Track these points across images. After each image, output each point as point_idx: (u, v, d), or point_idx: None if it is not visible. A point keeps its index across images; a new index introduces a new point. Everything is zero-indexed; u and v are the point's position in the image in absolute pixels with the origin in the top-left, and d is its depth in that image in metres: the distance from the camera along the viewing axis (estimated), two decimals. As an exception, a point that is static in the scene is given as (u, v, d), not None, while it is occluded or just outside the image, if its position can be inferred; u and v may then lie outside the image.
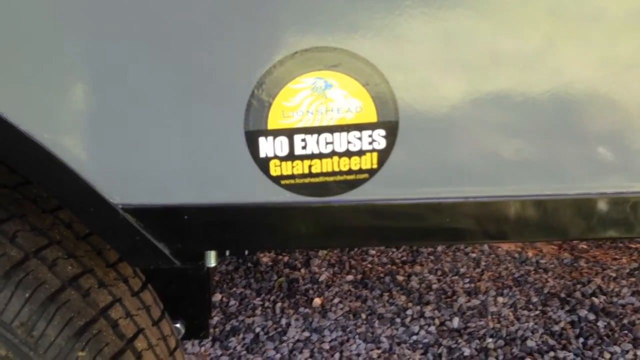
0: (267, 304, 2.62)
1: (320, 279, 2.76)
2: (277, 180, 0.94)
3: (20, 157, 0.94)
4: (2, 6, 0.87)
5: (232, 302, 2.63)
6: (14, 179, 1.11)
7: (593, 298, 2.59)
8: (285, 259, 2.94)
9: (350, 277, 2.78)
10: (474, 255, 2.96)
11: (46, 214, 1.11)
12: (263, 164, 0.93)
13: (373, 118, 0.92)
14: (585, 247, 3.05)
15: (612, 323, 2.43)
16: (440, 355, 2.30)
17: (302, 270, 2.85)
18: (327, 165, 0.94)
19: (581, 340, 2.35)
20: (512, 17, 0.91)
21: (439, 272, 2.83)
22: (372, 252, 2.99)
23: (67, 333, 1.01)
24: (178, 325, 1.42)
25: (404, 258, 2.95)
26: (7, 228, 1.02)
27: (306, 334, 2.43)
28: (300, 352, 2.34)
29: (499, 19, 0.91)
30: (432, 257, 2.94)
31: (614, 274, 2.78)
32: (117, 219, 0.95)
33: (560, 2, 0.90)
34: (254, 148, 0.92)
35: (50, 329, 1.00)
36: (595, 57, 0.93)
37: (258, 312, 2.57)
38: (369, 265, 2.88)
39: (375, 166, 0.94)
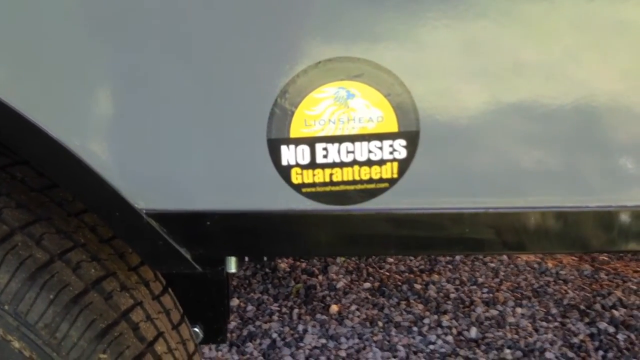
0: (284, 310, 2.63)
1: (337, 286, 2.76)
2: (298, 188, 0.95)
3: (50, 162, 0.96)
4: (32, 17, 0.89)
5: (250, 307, 2.65)
6: (41, 182, 1.13)
7: (613, 310, 2.56)
8: (303, 265, 2.95)
9: (367, 285, 2.78)
10: (492, 265, 2.95)
11: (71, 217, 1.13)
12: (284, 172, 0.94)
13: (394, 128, 0.93)
14: (606, 258, 3.01)
15: (632, 336, 2.40)
16: (457, 365, 2.29)
17: (320, 277, 2.86)
18: (347, 174, 0.95)
19: (600, 353, 2.32)
20: (535, 28, 0.91)
21: (457, 282, 2.82)
22: (390, 260, 2.99)
23: (89, 335, 1.02)
24: (196, 329, 1.43)
25: (422, 267, 2.95)
26: (34, 231, 1.04)
27: (323, 340, 2.43)
28: (317, 359, 2.34)
29: (522, 30, 0.91)
30: (450, 266, 2.93)
31: (634, 287, 2.75)
32: (141, 223, 0.97)
33: (584, 13, 0.90)
34: (276, 156, 0.93)
35: (73, 330, 1.01)
36: (619, 69, 0.93)
37: (275, 317, 2.58)
38: (387, 273, 2.88)
39: (395, 175, 0.95)
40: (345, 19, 0.89)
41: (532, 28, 0.91)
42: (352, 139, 0.93)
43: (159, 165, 0.96)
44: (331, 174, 0.94)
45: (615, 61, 0.92)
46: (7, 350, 1.00)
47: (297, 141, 0.93)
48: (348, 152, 0.94)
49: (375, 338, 2.43)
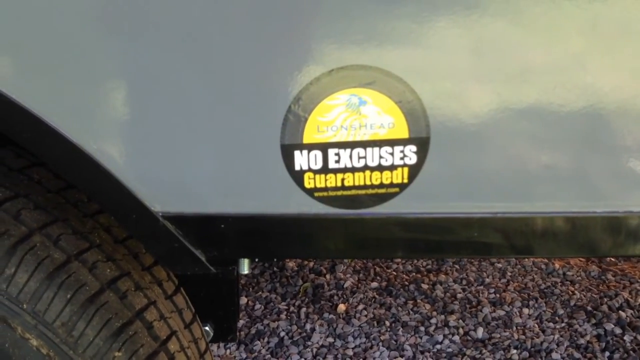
0: (292, 308, 2.65)
1: (345, 285, 2.78)
2: (310, 192, 0.97)
3: (68, 166, 0.98)
4: (49, 21, 0.91)
5: (258, 305, 2.67)
6: (57, 184, 1.16)
7: (620, 312, 2.56)
8: (311, 264, 2.96)
9: (375, 284, 2.80)
10: (499, 265, 2.95)
11: (87, 218, 1.15)
12: (298, 177, 0.96)
13: (405, 134, 0.95)
14: (613, 260, 3.01)
15: (639, 337, 2.41)
16: (463, 365, 2.31)
17: (328, 276, 2.87)
18: (359, 178, 0.96)
19: (607, 354, 2.33)
20: (544, 35, 0.92)
21: (464, 282, 2.82)
22: (397, 259, 3.00)
23: (105, 333, 1.04)
24: (207, 327, 1.45)
25: (429, 266, 2.96)
26: (52, 231, 1.06)
27: (330, 339, 2.45)
28: (324, 358, 2.36)
29: (531, 38, 0.92)
30: (457, 267, 2.94)
31: (642, 288, 2.75)
32: (157, 226, 0.99)
33: (593, 16, 0.91)
34: (289, 161, 0.95)
35: (89, 329, 1.03)
36: (628, 72, 0.94)
37: (283, 316, 2.59)
38: (394, 273, 2.90)
39: (406, 181, 0.97)
40: (357, 28, 0.91)
41: (541, 36, 0.92)
42: (364, 144, 0.95)
43: (175, 169, 0.98)
44: (343, 179, 0.96)
45: (623, 66, 0.93)
46: (25, 348, 1.02)
47: (310, 147, 0.94)
48: (360, 157, 0.95)
49: (382, 337, 2.45)
